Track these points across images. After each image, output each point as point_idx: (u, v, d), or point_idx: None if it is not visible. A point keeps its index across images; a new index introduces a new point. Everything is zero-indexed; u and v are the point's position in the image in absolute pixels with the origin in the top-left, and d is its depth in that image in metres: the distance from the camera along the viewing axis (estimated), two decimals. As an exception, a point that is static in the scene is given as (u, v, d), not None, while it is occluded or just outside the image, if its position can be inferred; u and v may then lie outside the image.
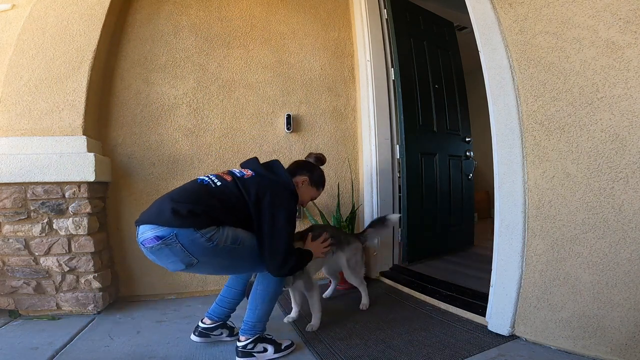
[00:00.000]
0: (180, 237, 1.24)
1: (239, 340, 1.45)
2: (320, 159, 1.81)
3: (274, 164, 1.59)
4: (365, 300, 1.99)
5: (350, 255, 1.95)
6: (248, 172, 1.49)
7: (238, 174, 1.48)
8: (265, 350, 1.45)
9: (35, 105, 1.97)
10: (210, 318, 1.62)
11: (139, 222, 1.34)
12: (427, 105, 2.84)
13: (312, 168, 1.73)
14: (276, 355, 1.46)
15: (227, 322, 1.67)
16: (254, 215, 1.39)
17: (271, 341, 1.49)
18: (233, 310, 1.67)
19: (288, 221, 1.41)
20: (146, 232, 1.28)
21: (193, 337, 1.61)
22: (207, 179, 1.45)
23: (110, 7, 2.09)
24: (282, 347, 1.49)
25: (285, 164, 2.49)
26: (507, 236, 1.58)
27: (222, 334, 1.63)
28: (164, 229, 1.25)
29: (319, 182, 1.74)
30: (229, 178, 1.45)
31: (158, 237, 1.25)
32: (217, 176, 1.47)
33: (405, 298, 2.12)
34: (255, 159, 1.58)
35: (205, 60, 2.43)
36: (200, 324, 1.62)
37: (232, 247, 1.33)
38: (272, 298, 1.50)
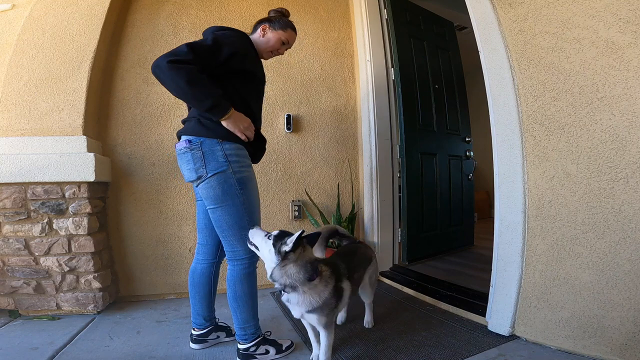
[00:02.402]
0: (204, 145, 1.34)
1: (240, 344, 1.44)
2: (280, 11, 1.63)
3: None
4: (369, 318, 1.73)
5: (372, 270, 1.68)
6: None
7: None
8: (267, 352, 1.44)
9: (35, 106, 1.97)
10: (197, 327, 1.57)
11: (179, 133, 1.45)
12: (427, 105, 2.84)
13: (269, 17, 1.61)
14: (278, 356, 1.46)
15: (218, 323, 1.62)
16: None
17: (273, 342, 1.48)
18: (211, 312, 1.59)
19: (206, 40, 1.35)
20: (182, 140, 1.40)
21: (192, 345, 1.57)
22: None
23: (110, 7, 2.09)
24: (284, 348, 1.49)
25: (285, 164, 2.53)
26: (507, 236, 1.58)
27: (218, 337, 1.60)
28: (194, 137, 1.36)
29: (281, 24, 1.57)
30: None
31: (188, 141, 1.36)
32: None
33: (405, 298, 2.12)
34: None
35: (205, 60, 2.43)
36: (193, 332, 1.57)
37: (235, 189, 1.34)
38: (247, 300, 1.41)
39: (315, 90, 2.64)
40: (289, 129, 2.53)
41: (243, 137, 1.37)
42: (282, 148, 2.54)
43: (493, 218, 1.69)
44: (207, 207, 1.39)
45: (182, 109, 2.36)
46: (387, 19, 2.67)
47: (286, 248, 1.20)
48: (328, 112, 2.67)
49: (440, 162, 2.91)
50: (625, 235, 1.26)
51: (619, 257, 1.27)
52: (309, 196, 2.54)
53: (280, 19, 1.59)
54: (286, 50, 1.66)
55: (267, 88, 2.51)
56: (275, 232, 1.25)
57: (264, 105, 2.47)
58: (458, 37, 3.29)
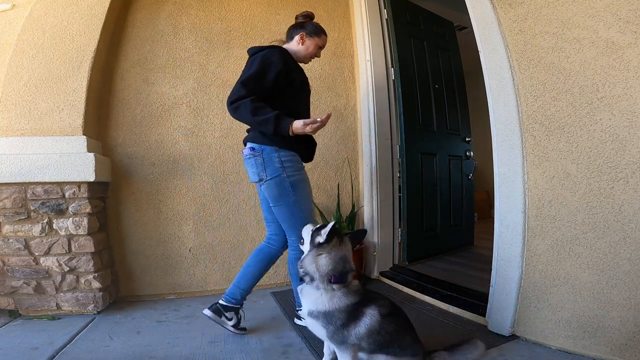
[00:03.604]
0: (264, 152, 1.55)
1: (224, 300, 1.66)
2: (308, 15, 1.78)
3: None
4: None
5: None
6: None
7: None
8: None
9: (35, 106, 1.97)
10: (226, 297, 1.69)
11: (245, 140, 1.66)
12: (427, 105, 2.84)
13: (302, 24, 1.76)
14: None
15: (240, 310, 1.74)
16: None
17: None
18: (246, 292, 1.73)
19: (254, 70, 1.52)
20: (247, 147, 1.62)
21: (205, 312, 1.67)
22: None
23: (110, 7, 2.09)
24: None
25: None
26: (507, 236, 1.58)
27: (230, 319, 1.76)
28: (257, 145, 1.57)
29: (316, 30, 1.75)
30: None
31: (252, 149, 1.58)
32: None
33: (406, 298, 2.12)
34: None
35: (205, 60, 2.43)
36: (220, 302, 1.70)
37: (288, 190, 1.55)
38: (293, 279, 1.69)
39: (315, 90, 2.62)
40: (289, 129, 2.53)
41: (312, 132, 1.54)
42: (282, 148, 2.54)
43: (493, 218, 1.69)
44: (270, 204, 1.62)
45: (182, 109, 2.37)
46: (387, 19, 2.67)
47: (320, 239, 1.17)
48: (328, 112, 2.66)
49: (440, 162, 2.91)
50: (625, 235, 1.26)
51: (619, 257, 1.27)
52: (309, 196, 2.54)
53: (311, 24, 1.76)
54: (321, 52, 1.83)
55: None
56: (318, 225, 1.25)
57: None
58: (458, 37, 3.29)
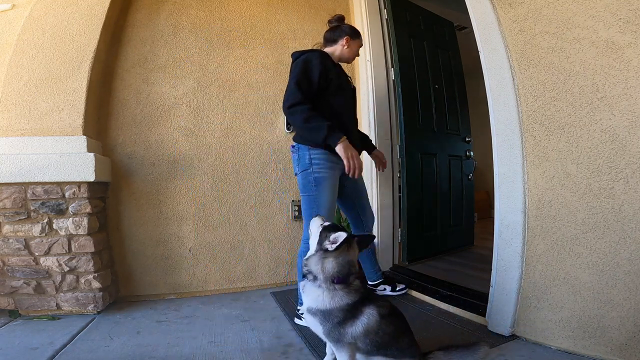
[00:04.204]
0: (300, 150, 1.76)
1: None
2: (342, 18, 1.95)
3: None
4: None
5: None
6: None
7: None
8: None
9: (35, 106, 1.97)
10: (370, 281, 2.10)
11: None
12: (427, 105, 2.84)
13: (342, 28, 1.90)
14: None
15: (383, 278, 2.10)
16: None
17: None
18: (374, 270, 2.11)
19: (299, 71, 1.69)
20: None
21: None
22: None
23: (110, 7, 2.09)
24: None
25: (285, 164, 2.52)
26: (507, 236, 1.58)
27: (385, 289, 2.11)
28: (297, 143, 1.79)
29: (355, 32, 1.93)
30: None
31: (293, 146, 1.82)
32: None
33: (405, 298, 2.12)
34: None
35: (205, 60, 2.43)
36: (369, 284, 2.10)
37: (312, 185, 1.72)
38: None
39: (315, 90, 2.64)
40: (289, 129, 2.53)
41: (347, 166, 1.65)
42: (282, 148, 2.54)
43: (493, 218, 1.69)
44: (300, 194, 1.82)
45: (182, 109, 2.37)
46: (387, 19, 2.67)
47: (329, 247, 1.15)
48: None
49: (440, 162, 2.91)
50: (625, 235, 1.26)
51: (619, 257, 1.27)
52: (309, 196, 2.53)
53: (350, 28, 1.93)
54: None
55: (267, 88, 2.53)
56: (327, 223, 1.23)
57: (264, 105, 2.51)
58: (458, 37, 3.28)
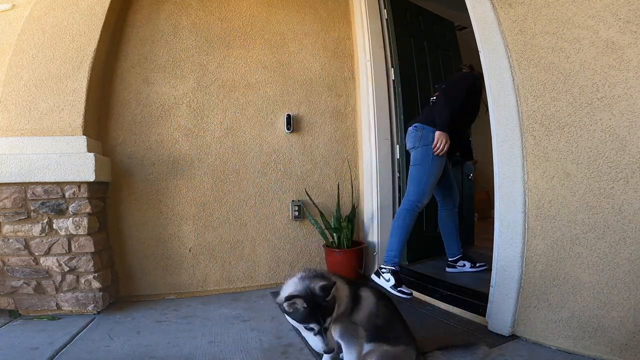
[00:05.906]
0: (424, 130, 2.10)
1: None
2: (472, 66, 2.23)
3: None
4: None
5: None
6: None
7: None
8: (388, 280, 1.99)
9: (35, 105, 1.97)
10: (450, 256, 2.37)
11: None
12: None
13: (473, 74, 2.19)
14: (389, 288, 1.96)
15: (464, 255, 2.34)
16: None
17: (397, 280, 1.99)
18: (455, 246, 2.37)
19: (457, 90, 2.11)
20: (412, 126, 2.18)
21: (446, 269, 2.39)
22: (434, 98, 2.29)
23: (110, 7, 2.09)
24: (404, 290, 1.96)
25: (285, 164, 2.53)
26: (507, 236, 1.58)
27: (464, 265, 2.33)
28: (423, 124, 2.13)
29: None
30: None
31: (415, 126, 2.14)
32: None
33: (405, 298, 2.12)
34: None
35: (205, 60, 2.43)
36: (449, 260, 2.38)
37: (428, 159, 2.06)
38: (396, 231, 2.04)
39: (315, 90, 2.64)
40: (289, 129, 2.53)
41: (435, 148, 2.02)
42: (282, 148, 2.54)
43: (493, 218, 1.69)
44: (411, 165, 2.14)
45: (182, 109, 2.37)
46: (387, 19, 2.67)
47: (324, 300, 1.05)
48: (328, 112, 2.67)
49: (440, 162, 2.90)
50: (625, 235, 1.26)
51: (619, 257, 1.27)
52: (309, 196, 2.54)
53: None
54: None
55: (267, 88, 2.53)
56: (287, 303, 1.04)
57: (264, 105, 2.52)
58: (458, 37, 3.28)
